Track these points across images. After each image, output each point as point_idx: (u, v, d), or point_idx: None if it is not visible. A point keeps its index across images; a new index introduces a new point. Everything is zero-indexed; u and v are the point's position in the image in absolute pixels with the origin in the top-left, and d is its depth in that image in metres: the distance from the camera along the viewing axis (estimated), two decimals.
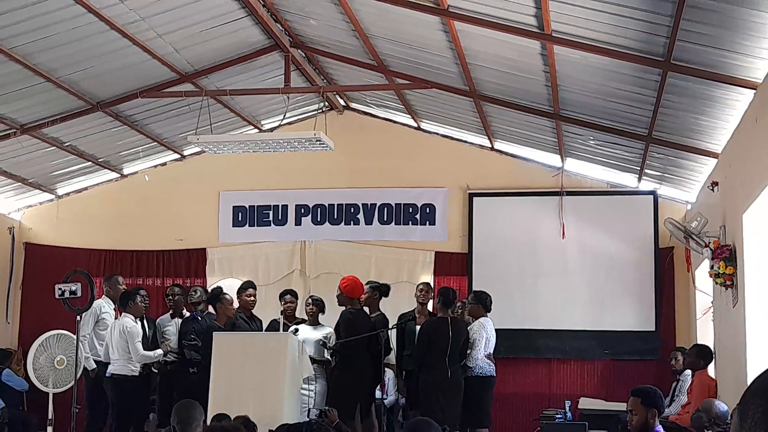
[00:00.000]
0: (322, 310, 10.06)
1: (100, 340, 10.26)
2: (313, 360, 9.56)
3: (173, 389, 10.26)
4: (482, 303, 9.93)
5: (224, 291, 10.38)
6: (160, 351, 10.04)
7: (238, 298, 10.22)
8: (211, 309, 10.48)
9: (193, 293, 10.75)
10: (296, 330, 9.60)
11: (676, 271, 12.01)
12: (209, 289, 11.92)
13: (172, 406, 10.01)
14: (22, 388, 12.13)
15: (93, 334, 10.34)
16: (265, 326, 10.23)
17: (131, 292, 10.21)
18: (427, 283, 10.82)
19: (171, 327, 10.53)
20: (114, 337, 9.84)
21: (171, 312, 10.69)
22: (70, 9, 8.48)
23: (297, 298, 10.43)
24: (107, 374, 9.87)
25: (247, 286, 10.34)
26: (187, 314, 10.60)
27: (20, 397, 12.33)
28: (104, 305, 10.38)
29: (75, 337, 10.86)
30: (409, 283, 12.00)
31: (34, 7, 8.34)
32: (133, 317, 9.97)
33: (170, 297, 10.73)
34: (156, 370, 10.21)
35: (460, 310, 10.12)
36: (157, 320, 10.69)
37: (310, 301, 10.16)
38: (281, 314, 9.97)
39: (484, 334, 9.72)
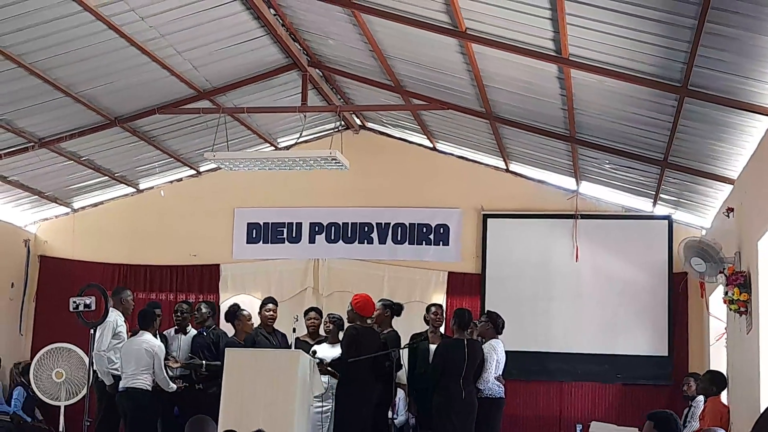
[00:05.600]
0: (341, 328, 10.07)
1: (117, 354, 10.23)
2: (325, 371, 9.57)
3: (174, 405, 10.27)
4: (494, 324, 9.91)
5: (241, 307, 10.41)
6: (174, 386, 10.01)
7: (258, 313, 10.28)
8: (226, 325, 10.50)
9: (197, 311, 10.66)
10: (314, 352, 9.64)
11: (690, 297, 11.98)
12: (223, 306, 11.96)
13: (173, 421, 10.11)
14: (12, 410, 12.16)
15: (111, 349, 10.29)
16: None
17: (153, 313, 10.15)
18: (439, 305, 10.79)
19: (175, 343, 10.54)
20: (134, 352, 9.77)
21: (176, 328, 10.70)
22: (90, 25, 8.55)
23: (321, 316, 10.45)
24: (121, 388, 9.86)
25: (266, 302, 10.39)
26: (194, 331, 10.58)
27: (33, 408, 12.37)
28: (118, 319, 10.39)
29: (75, 349, 10.90)
30: (421, 303, 11.96)
31: (55, 22, 8.41)
32: (153, 337, 9.98)
33: (178, 313, 10.74)
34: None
35: (470, 330, 10.08)
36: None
37: (327, 320, 10.19)
38: (293, 331, 9.99)
39: (494, 355, 9.69)
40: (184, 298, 12.09)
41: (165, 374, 9.81)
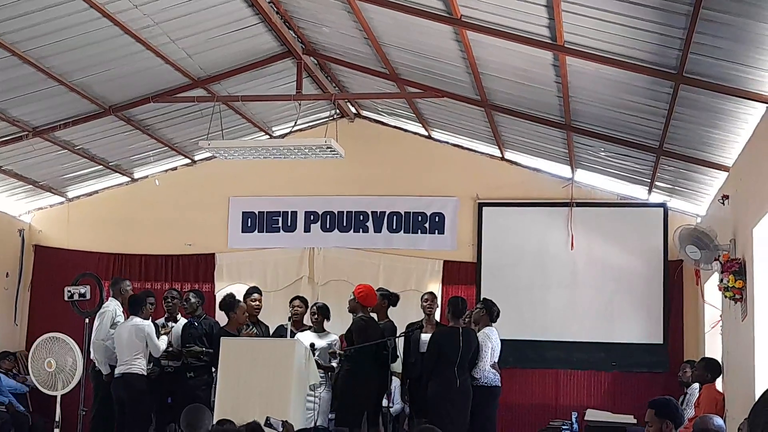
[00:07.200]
0: (327, 317, 10.06)
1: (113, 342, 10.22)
2: (317, 365, 9.56)
3: (168, 394, 10.26)
4: (489, 312, 9.90)
5: (237, 298, 10.38)
6: (164, 339, 10.06)
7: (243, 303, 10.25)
8: (219, 313, 10.47)
9: (186, 301, 10.60)
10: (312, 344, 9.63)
11: (685, 284, 11.99)
12: (218, 296, 11.93)
13: (166, 410, 10.10)
14: (20, 391, 12.19)
15: (110, 338, 10.27)
16: (272, 332, 10.26)
17: (142, 298, 10.20)
18: (432, 293, 10.78)
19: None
20: (125, 338, 9.82)
21: (166, 316, 10.69)
22: (84, 13, 8.53)
23: (306, 305, 10.42)
24: (116, 374, 9.88)
25: (251, 292, 10.38)
26: (183, 320, 10.56)
27: (25, 398, 12.38)
28: (117, 309, 10.39)
29: (67, 339, 10.88)
30: (417, 292, 11.96)
31: (49, 10, 8.38)
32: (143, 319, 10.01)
33: (168, 300, 10.73)
34: (153, 375, 10.16)
35: (467, 319, 10.10)
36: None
37: (314, 309, 10.14)
38: (288, 320, 9.97)
39: (489, 344, 9.69)
40: (179, 288, 12.07)
41: (160, 346, 9.85)
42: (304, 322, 10.41)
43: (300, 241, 13.07)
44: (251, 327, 9.99)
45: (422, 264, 12.78)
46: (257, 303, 10.29)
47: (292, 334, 9.73)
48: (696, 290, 11.47)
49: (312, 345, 9.57)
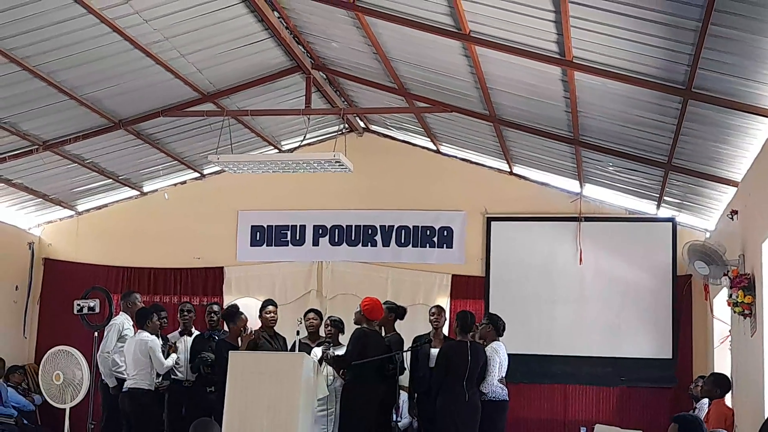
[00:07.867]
0: (341, 330, 10.09)
1: (123, 356, 10.24)
2: (333, 360, 9.58)
3: (181, 407, 10.26)
4: (495, 326, 9.91)
5: (240, 309, 10.39)
6: (172, 357, 10.07)
7: (259, 316, 10.25)
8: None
9: (213, 314, 10.60)
10: (329, 346, 9.66)
11: (694, 299, 11.96)
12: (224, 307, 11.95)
13: (179, 423, 10.10)
14: (27, 408, 12.20)
15: (117, 351, 10.29)
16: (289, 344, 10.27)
17: (148, 311, 10.22)
18: (440, 307, 10.77)
19: (181, 345, 10.52)
20: (131, 353, 9.85)
21: (180, 330, 10.70)
22: (95, 28, 8.57)
23: (321, 317, 10.46)
24: (124, 389, 9.89)
25: (267, 304, 10.36)
26: (196, 332, 10.57)
27: (34, 413, 12.39)
28: (125, 322, 10.41)
29: (75, 352, 10.92)
30: (425, 306, 11.96)
31: (60, 25, 8.43)
32: (149, 334, 10.00)
33: (183, 313, 10.76)
34: (163, 388, 10.17)
35: (472, 333, 10.08)
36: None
37: (328, 322, 10.20)
38: (297, 334, 9.97)
39: (497, 358, 9.69)
40: (189, 301, 12.08)
41: (164, 362, 9.84)
42: (320, 334, 10.42)
43: (308, 255, 13.09)
44: (250, 330, 9.98)
45: (430, 278, 12.78)
46: (272, 315, 10.26)
47: (303, 347, 9.75)
48: (705, 305, 11.45)
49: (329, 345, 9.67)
